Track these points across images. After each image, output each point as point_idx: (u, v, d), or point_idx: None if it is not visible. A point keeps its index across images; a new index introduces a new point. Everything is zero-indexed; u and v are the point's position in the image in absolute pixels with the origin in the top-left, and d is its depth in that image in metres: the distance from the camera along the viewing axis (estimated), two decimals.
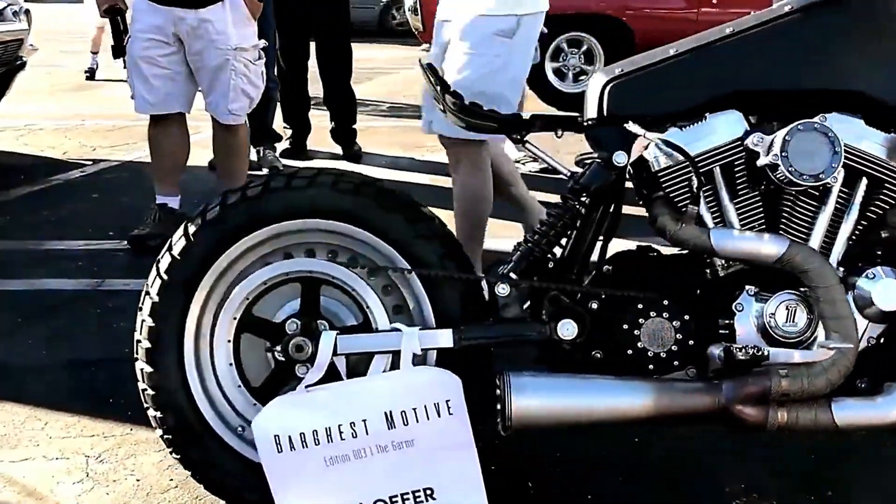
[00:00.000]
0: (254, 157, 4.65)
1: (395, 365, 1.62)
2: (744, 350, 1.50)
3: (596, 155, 1.66)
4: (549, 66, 6.30)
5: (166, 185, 3.45)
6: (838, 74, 1.58)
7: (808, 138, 1.48)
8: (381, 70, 8.79)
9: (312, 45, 4.88)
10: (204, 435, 1.66)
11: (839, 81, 1.57)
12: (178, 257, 1.65)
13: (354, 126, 4.99)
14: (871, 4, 1.57)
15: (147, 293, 1.67)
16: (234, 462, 1.66)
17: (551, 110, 6.18)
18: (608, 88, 1.64)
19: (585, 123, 1.68)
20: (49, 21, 11.85)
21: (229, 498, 1.69)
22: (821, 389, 1.47)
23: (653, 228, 1.62)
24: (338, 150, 4.99)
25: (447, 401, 1.56)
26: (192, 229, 1.65)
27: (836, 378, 1.47)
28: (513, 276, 1.61)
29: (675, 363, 1.58)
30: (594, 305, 1.61)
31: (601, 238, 1.67)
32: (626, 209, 1.67)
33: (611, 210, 1.67)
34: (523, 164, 4.61)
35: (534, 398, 1.51)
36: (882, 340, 1.56)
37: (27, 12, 4.88)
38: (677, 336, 1.58)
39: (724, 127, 1.59)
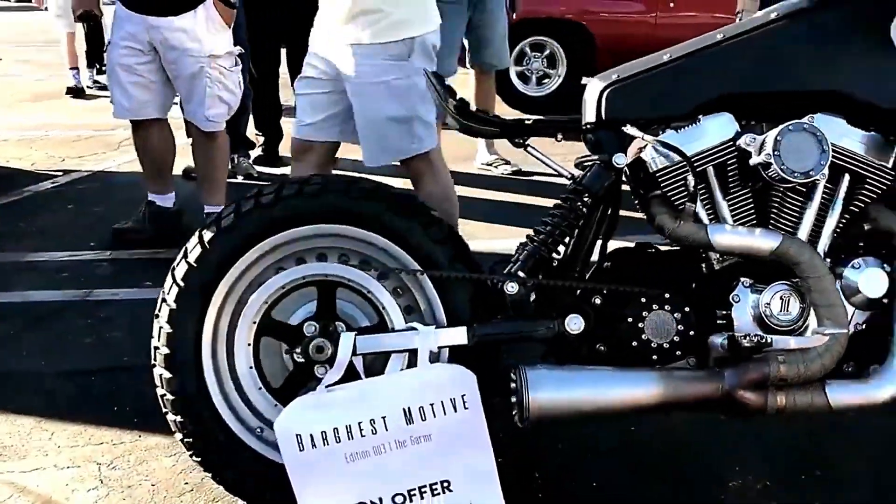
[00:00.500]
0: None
1: (411, 363, 1.68)
2: (742, 339, 1.59)
3: (595, 157, 1.74)
4: (513, 71, 6.39)
5: (155, 184, 3.54)
6: (822, 77, 1.68)
7: (798, 138, 1.58)
8: None
9: (283, 52, 4.90)
10: (223, 437, 1.70)
11: (823, 84, 1.67)
12: (195, 264, 1.69)
13: None
14: (849, 12, 1.67)
15: (164, 300, 1.70)
16: (254, 463, 1.70)
17: (515, 114, 6.28)
18: (606, 93, 1.72)
19: (585, 127, 1.76)
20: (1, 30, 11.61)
21: (250, 498, 1.73)
22: (816, 373, 1.57)
23: (652, 226, 1.71)
24: None
25: (462, 396, 1.62)
26: (207, 236, 1.69)
27: (830, 362, 1.57)
28: (520, 274, 1.68)
29: (678, 353, 1.67)
30: (598, 301, 1.69)
31: (602, 236, 1.76)
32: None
33: (611, 209, 1.75)
34: (495, 167, 4.70)
35: (549, 391, 1.58)
36: (867, 326, 1.67)
37: None
38: (678, 327, 1.67)
39: (716, 128, 1.68)
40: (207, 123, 3.32)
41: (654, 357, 1.67)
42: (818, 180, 1.62)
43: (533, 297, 1.69)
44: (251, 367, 1.71)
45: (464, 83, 4.58)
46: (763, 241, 1.61)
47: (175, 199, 3.63)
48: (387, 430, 1.62)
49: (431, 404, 1.62)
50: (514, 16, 4.68)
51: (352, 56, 2.36)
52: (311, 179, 1.74)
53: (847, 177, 1.66)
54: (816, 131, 1.58)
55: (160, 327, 1.69)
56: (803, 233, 1.65)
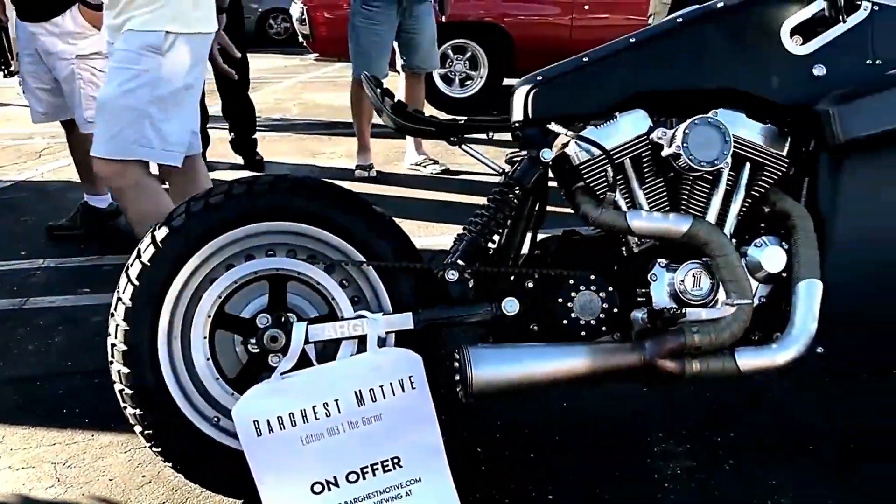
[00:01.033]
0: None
1: (360, 349, 1.79)
2: (660, 313, 1.77)
3: (524, 153, 1.89)
4: (436, 73, 6.53)
5: (88, 185, 3.68)
6: (724, 76, 1.86)
7: (703, 131, 1.76)
8: (265, 80, 8.80)
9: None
10: (182, 428, 1.77)
11: (725, 81, 1.86)
12: (148, 263, 1.76)
13: (254, 136, 5.06)
14: (747, 17, 1.86)
15: (119, 299, 1.77)
16: (212, 451, 1.78)
17: (441, 114, 6.43)
18: (531, 94, 1.87)
19: (513, 125, 1.90)
20: None
21: (210, 485, 1.81)
22: (726, 341, 1.75)
23: (576, 214, 1.87)
24: (239, 160, 5.04)
25: (410, 377, 1.74)
26: (160, 236, 1.76)
27: (738, 330, 1.75)
28: (459, 262, 1.82)
29: (603, 329, 1.83)
30: (531, 284, 1.84)
31: (532, 225, 1.91)
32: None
33: (540, 201, 1.90)
34: (424, 166, 4.83)
35: (489, 368, 1.72)
36: (770, 298, 1.86)
37: None
38: (603, 305, 1.83)
39: (632, 124, 1.85)
40: (87, 125, 3.34)
41: (583, 333, 1.82)
42: (722, 168, 1.80)
43: (471, 283, 1.82)
44: (208, 359, 1.79)
45: (393, 86, 4.70)
46: (676, 225, 1.79)
47: (111, 201, 3.68)
48: (339, 412, 1.72)
49: (381, 386, 1.73)
50: (444, 18, 4.83)
51: (119, 41, 2.34)
52: (259, 179, 1.83)
53: (748, 165, 1.85)
54: (719, 124, 1.77)
55: (116, 325, 1.76)
56: (711, 216, 1.83)
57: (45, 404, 2.28)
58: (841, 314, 1.81)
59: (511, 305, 1.80)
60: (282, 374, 1.72)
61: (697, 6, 1.92)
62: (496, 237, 1.89)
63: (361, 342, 1.77)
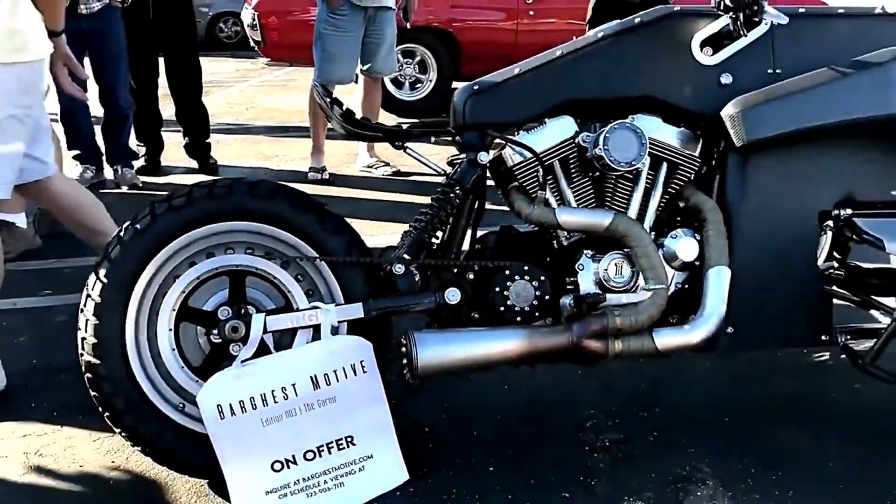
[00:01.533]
0: (110, 175, 4.75)
1: (315, 337, 1.95)
2: (586, 298, 1.96)
3: (463, 156, 2.07)
4: (386, 77, 6.68)
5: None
6: (641, 84, 2.06)
7: (622, 135, 1.96)
8: (216, 83, 8.84)
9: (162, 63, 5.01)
10: (150, 414, 1.91)
11: (642, 90, 2.06)
12: (115, 262, 1.90)
13: (208, 140, 5.16)
14: (661, 31, 2.06)
15: (89, 295, 1.90)
16: (178, 435, 1.92)
17: (392, 117, 6.58)
18: (469, 102, 2.05)
19: (453, 130, 2.08)
20: None
21: (177, 466, 1.95)
22: (644, 323, 1.95)
23: (511, 211, 2.06)
24: (193, 164, 5.14)
25: (361, 362, 1.91)
26: (125, 236, 1.90)
27: (656, 313, 1.96)
28: (406, 256, 1.99)
29: (536, 314, 2.02)
30: (471, 275, 2.02)
31: (472, 221, 2.09)
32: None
33: (478, 199, 2.08)
34: (375, 168, 4.99)
35: (434, 352, 1.89)
36: (685, 285, 2.07)
37: None
38: (536, 293, 2.01)
39: (559, 129, 2.04)
40: None
41: (518, 319, 2.01)
42: (640, 168, 2.00)
43: (417, 275, 2.00)
44: (174, 350, 1.93)
45: (350, 90, 4.85)
46: (599, 220, 1.99)
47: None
48: (297, 395, 1.88)
49: (335, 371, 1.90)
50: (409, 25, 5.01)
51: None
52: (218, 182, 1.98)
53: (664, 164, 2.05)
54: (636, 129, 1.97)
55: (86, 319, 1.89)
56: (631, 211, 2.04)
57: (14, 400, 2.38)
58: (747, 297, 2.02)
59: (453, 295, 1.98)
60: (242, 361, 1.88)
61: (617, 21, 2.12)
62: (439, 233, 2.07)
63: (316, 331, 1.93)
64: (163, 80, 4.99)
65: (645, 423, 2.23)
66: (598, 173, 2.04)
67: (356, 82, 4.86)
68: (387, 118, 5.78)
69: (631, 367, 2.44)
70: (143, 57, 4.80)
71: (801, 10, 2.13)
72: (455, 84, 6.98)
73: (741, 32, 1.98)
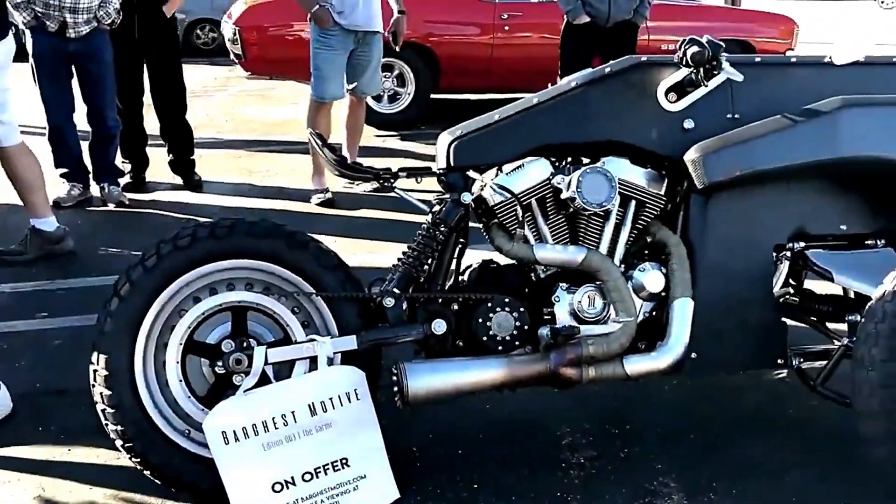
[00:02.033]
0: (97, 192, 4.85)
1: (312, 367, 2.10)
2: (562, 329, 2.13)
3: (448, 196, 2.23)
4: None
5: (30, 206, 3.81)
6: (611, 130, 2.23)
7: (593, 178, 2.13)
8: (195, 94, 8.83)
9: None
10: (158, 441, 2.06)
11: (611, 135, 2.23)
12: (125, 298, 2.04)
13: (193, 157, 5.27)
14: (629, 81, 2.23)
15: (100, 330, 2.04)
16: (185, 459, 2.07)
17: (371, 130, 6.71)
18: (453, 146, 2.22)
19: (438, 172, 2.24)
20: None
21: (184, 488, 2.10)
22: (616, 351, 2.13)
23: (492, 247, 2.22)
24: (178, 180, 5.24)
25: (355, 390, 2.07)
26: (134, 275, 2.04)
27: (626, 341, 2.13)
28: (395, 290, 2.15)
29: (517, 343, 2.18)
30: (456, 307, 2.19)
31: (456, 257, 2.25)
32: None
33: (462, 236, 2.25)
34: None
35: (423, 380, 2.06)
36: (652, 314, 2.24)
37: None
38: (516, 324, 2.18)
39: (535, 171, 2.21)
40: None
41: (500, 347, 2.17)
42: (611, 208, 2.18)
43: (405, 308, 2.16)
44: (181, 381, 2.08)
45: (336, 106, 4.96)
46: (573, 256, 2.16)
47: (57, 224, 3.85)
48: (296, 421, 2.03)
49: (331, 398, 2.05)
50: (397, 48, 5.18)
51: None
52: (220, 223, 2.12)
53: (632, 203, 2.23)
54: (607, 172, 2.14)
55: (98, 352, 2.03)
56: (603, 246, 2.21)
57: (21, 424, 2.51)
58: (709, 325, 2.20)
59: (440, 326, 2.14)
60: (245, 391, 2.03)
61: (589, 70, 2.29)
62: (425, 267, 2.23)
63: (313, 361, 2.09)
64: (147, 98, 5.10)
65: (616, 441, 2.41)
66: (572, 212, 2.21)
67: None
68: (368, 130, 5.88)
69: (603, 389, 2.60)
70: (128, 76, 4.90)
71: (758, 60, 2.32)
72: (433, 96, 7.15)
73: (702, 82, 2.16)
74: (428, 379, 2.07)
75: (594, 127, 2.24)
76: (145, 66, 4.99)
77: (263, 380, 2.07)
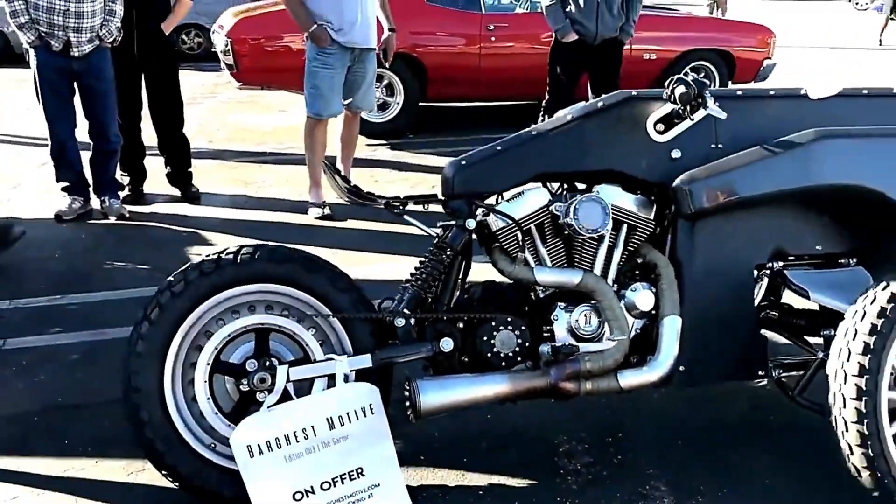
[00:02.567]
0: (97, 205, 4.96)
1: (330, 384, 2.26)
2: (561, 346, 2.30)
3: (452, 222, 2.39)
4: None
5: None
6: (604, 160, 2.40)
7: (588, 205, 2.30)
8: (185, 101, 8.99)
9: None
10: (186, 454, 2.20)
11: (605, 164, 2.40)
12: (154, 321, 2.18)
13: (190, 169, 5.39)
14: (620, 113, 2.41)
15: (132, 351, 2.18)
16: (211, 470, 2.22)
17: (361, 139, 6.84)
18: (457, 175, 2.38)
19: (443, 200, 2.40)
20: None
21: (209, 497, 2.24)
22: (610, 366, 2.30)
23: (495, 269, 2.39)
24: (175, 192, 5.36)
25: (370, 405, 2.22)
26: (163, 300, 2.19)
27: (619, 357, 2.30)
28: (405, 311, 2.31)
29: (519, 359, 2.35)
30: (462, 326, 2.35)
31: (461, 279, 2.42)
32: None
33: (466, 259, 2.41)
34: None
35: (433, 395, 2.22)
36: (643, 330, 2.42)
37: None
38: (518, 341, 2.35)
39: (535, 198, 2.38)
40: None
41: (503, 364, 2.34)
42: (604, 233, 2.35)
43: (415, 327, 2.32)
44: (208, 398, 2.23)
45: (332, 121, 5.09)
46: (570, 278, 2.33)
47: None
48: (315, 435, 2.18)
49: (347, 413, 2.20)
50: (388, 64, 5.38)
51: None
52: (241, 250, 2.26)
53: (624, 227, 2.40)
54: (601, 200, 2.31)
55: (130, 372, 2.17)
56: (597, 267, 2.38)
57: (48, 436, 2.64)
58: (695, 340, 2.38)
59: (447, 344, 2.30)
60: (269, 407, 2.18)
61: (583, 103, 2.47)
62: (433, 289, 2.39)
63: (330, 378, 2.24)
64: (144, 111, 5.21)
65: (610, 448, 2.58)
66: (568, 236, 2.38)
67: None
68: (358, 140, 6.01)
69: (597, 400, 2.78)
70: (126, 90, 5.01)
71: (739, 93, 2.50)
72: (422, 104, 7.29)
73: (687, 116, 2.33)
74: (438, 394, 2.23)
75: (588, 156, 2.41)
76: (143, 80, 5.11)
77: (285, 396, 2.22)
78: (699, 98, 2.26)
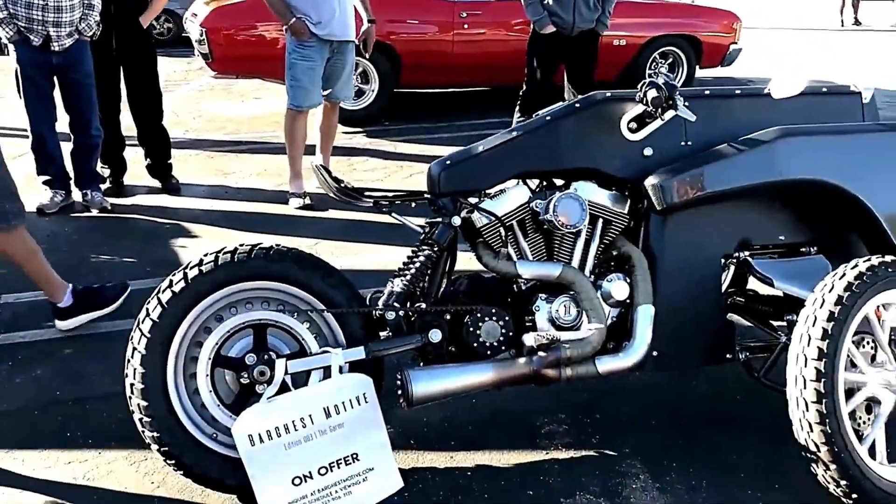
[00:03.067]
0: (79, 197, 5.00)
1: (326, 375, 2.38)
2: (542, 335, 2.44)
3: (438, 219, 2.52)
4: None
5: None
6: (580, 158, 2.54)
7: (566, 202, 2.44)
8: None
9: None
10: (189, 444, 2.32)
11: (581, 162, 2.54)
12: (156, 319, 2.29)
13: (170, 161, 5.44)
14: (595, 113, 2.54)
15: (134, 348, 2.28)
16: (214, 460, 2.34)
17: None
18: (442, 174, 2.50)
19: (429, 198, 2.53)
20: None
21: (212, 485, 2.36)
22: (589, 353, 2.45)
23: (480, 263, 2.52)
24: (156, 183, 5.42)
25: (364, 394, 2.35)
26: (164, 298, 2.29)
27: (597, 344, 2.45)
28: (395, 304, 2.44)
29: (503, 348, 2.49)
30: (449, 318, 2.48)
31: (447, 273, 2.55)
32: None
33: (452, 254, 2.54)
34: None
35: (424, 384, 2.35)
36: (619, 319, 2.57)
37: None
38: (502, 331, 2.48)
39: (516, 196, 2.51)
40: None
41: (488, 353, 2.48)
42: (582, 228, 2.49)
43: (404, 320, 2.44)
44: (210, 391, 2.34)
45: (311, 112, 5.17)
46: (550, 271, 2.47)
47: None
48: (313, 423, 2.31)
49: (343, 402, 2.33)
50: (367, 56, 5.48)
51: None
52: (238, 249, 2.37)
53: (600, 221, 2.54)
54: (578, 197, 2.45)
55: (134, 368, 2.28)
56: (575, 260, 2.53)
57: (50, 430, 2.74)
58: (667, 327, 2.54)
59: (435, 335, 2.44)
60: (268, 398, 2.30)
61: (561, 104, 2.60)
62: (421, 283, 2.51)
63: (326, 370, 2.37)
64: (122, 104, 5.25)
65: (588, 430, 2.74)
66: (548, 231, 2.52)
67: None
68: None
69: (577, 385, 2.93)
70: (105, 84, 5.04)
71: (707, 92, 2.65)
72: (396, 91, 7.37)
73: (658, 116, 2.47)
74: (428, 383, 2.37)
75: (566, 155, 2.54)
76: (122, 73, 5.14)
77: (283, 387, 2.34)
78: (670, 101, 2.40)
